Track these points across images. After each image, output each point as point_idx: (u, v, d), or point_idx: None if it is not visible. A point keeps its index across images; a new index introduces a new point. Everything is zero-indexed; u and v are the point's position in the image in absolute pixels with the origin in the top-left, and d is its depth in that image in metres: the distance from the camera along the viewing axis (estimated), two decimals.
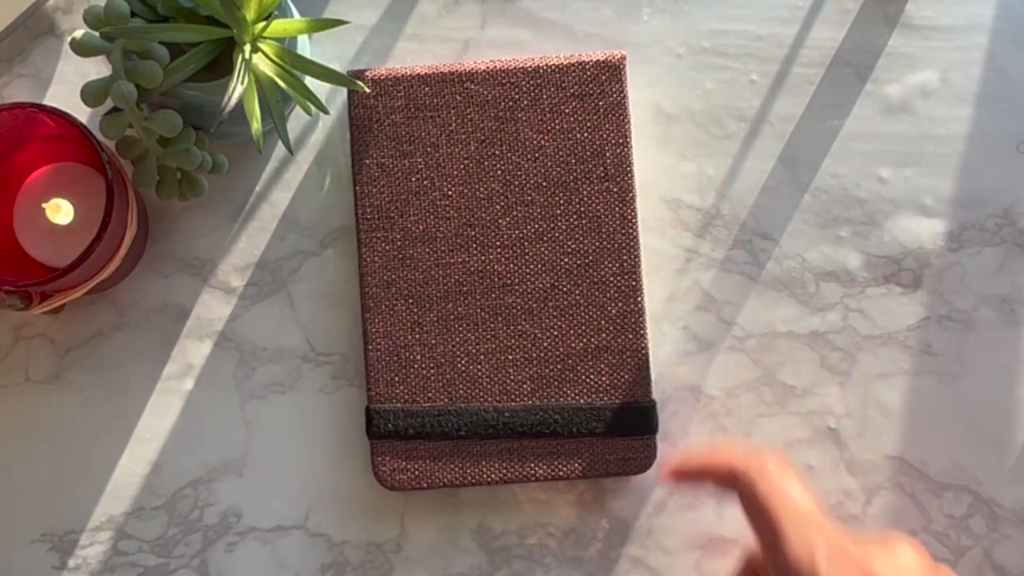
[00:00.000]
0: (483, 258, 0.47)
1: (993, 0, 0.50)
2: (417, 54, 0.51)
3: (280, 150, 0.50)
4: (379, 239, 0.47)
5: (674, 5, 0.51)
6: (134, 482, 0.49)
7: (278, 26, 0.43)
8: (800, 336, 0.49)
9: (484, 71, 0.48)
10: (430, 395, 0.47)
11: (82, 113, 0.46)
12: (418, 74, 0.48)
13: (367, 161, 0.47)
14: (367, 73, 0.48)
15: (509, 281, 0.47)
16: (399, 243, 0.47)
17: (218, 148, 0.49)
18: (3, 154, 0.47)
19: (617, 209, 0.47)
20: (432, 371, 0.47)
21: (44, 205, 0.46)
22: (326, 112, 0.46)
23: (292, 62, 0.44)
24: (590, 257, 0.47)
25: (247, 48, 0.43)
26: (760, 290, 0.49)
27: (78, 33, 0.42)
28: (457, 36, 0.51)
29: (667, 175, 0.50)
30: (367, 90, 0.46)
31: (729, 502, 0.42)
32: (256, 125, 0.43)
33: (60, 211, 0.46)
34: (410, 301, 0.47)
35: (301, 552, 0.48)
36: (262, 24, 0.43)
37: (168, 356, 0.49)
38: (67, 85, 0.50)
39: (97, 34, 0.42)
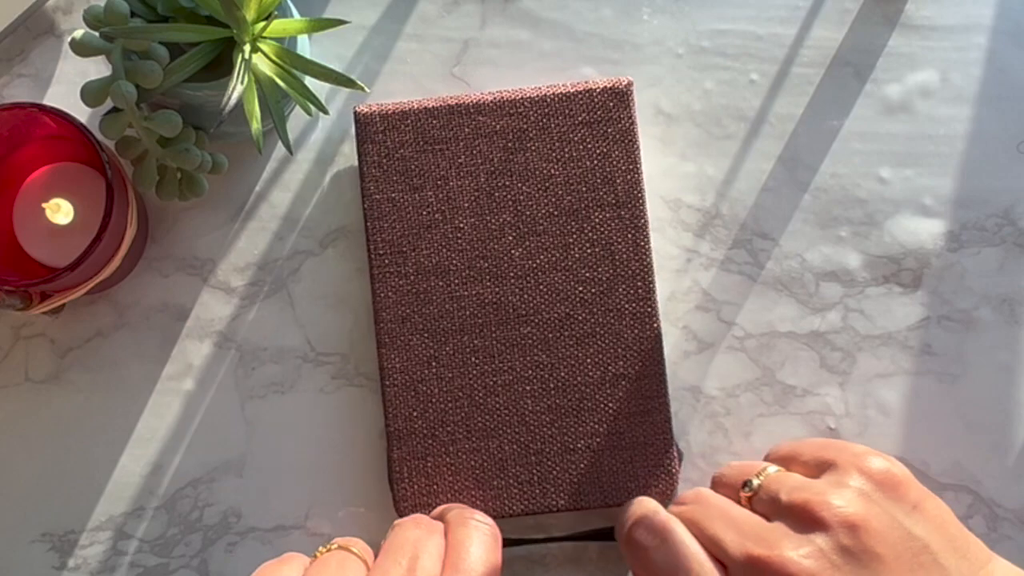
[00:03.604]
0: (497, 290, 0.47)
1: (993, 0, 0.50)
2: (417, 54, 0.51)
3: (280, 150, 0.50)
4: (392, 274, 0.47)
5: (674, 5, 0.51)
6: (134, 482, 0.49)
7: (278, 26, 0.44)
8: (800, 336, 0.49)
9: (492, 102, 0.47)
10: (449, 429, 0.46)
11: (82, 113, 0.46)
12: (426, 107, 0.47)
13: (377, 196, 0.47)
14: (375, 108, 0.47)
15: (524, 312, 0.47)
16: (412, 277, 0.47)
17: (218, 148, 0.49)
18: (3, 154, 0.47)
19: (630, 235, 0.47)
20: (450, 404, 0.46)
21: (44, 205, 0.46)
22: (326, 112, 0.46)
23: (292, 62, 0.44)
24: (604, 285, 0.47)
25: (247, 48, 0.43)
26: (760, 290, 0.49)
27: (78, 33, 0.42)
28: (457, 36, 0.51)
29: (667, 175, 0.50)
30: (367, 90, 0.46)
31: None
32: (256, 125, 0.43)
33: (60, 211, 0.46)
34: (425, 335, 0.47)
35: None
36: (262, 24, 0.43)
37: (168, 356, 0.49)
38: (67, 85, 0.50)
39: (97, 34, 0.42)
